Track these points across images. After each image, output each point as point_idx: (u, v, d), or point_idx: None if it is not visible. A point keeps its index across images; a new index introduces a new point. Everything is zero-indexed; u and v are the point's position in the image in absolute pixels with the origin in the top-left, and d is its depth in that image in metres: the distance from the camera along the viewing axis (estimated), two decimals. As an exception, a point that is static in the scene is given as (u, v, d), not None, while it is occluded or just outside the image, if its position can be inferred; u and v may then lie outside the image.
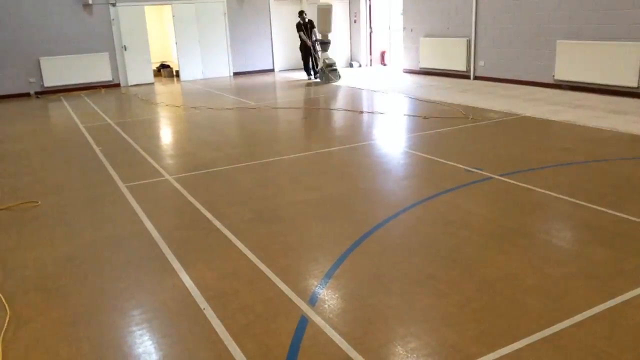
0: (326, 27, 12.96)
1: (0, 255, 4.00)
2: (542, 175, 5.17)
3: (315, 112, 9.30)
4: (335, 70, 13.14)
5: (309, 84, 13.15)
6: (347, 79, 13.69)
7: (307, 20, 13.51)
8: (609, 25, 9.20)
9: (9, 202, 5.26)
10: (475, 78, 12.07)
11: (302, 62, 14.16)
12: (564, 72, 10.00)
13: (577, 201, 4.46)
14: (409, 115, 8.39)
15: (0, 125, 9.64)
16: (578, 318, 2.80)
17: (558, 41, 10.02)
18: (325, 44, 13.17)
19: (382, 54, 16.33)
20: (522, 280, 3.23)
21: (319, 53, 13.35)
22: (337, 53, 16.44)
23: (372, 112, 8.85)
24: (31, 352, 2.77)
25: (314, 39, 13.43)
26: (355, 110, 9.10)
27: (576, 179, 5.01)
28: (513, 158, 5.80)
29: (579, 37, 9.71)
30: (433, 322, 2.84)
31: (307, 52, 13.67)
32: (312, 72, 13.80)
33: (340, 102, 10.31)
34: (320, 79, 13.28)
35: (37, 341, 2.87)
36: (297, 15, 13.75)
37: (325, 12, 12.82)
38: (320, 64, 13.30)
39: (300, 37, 13.60)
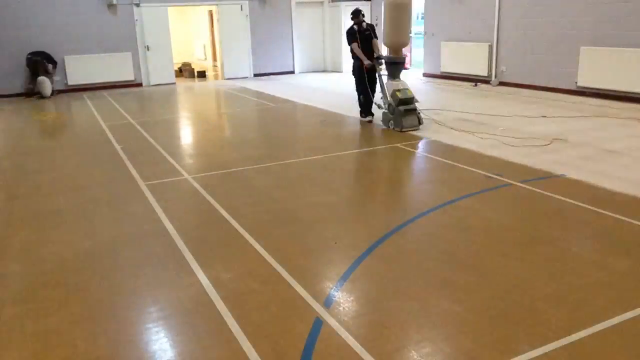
0: (400, 36, 7.94)
1: (22, 249, 4.08)
2: (562, 183, 5.11)
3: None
4: (414, 110, 7.72)
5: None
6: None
7: (364, 25, 8.17)
8: (633, 32, 9.05)
9: (32, 198, 5.35)
10: (499, 84, 11.96)
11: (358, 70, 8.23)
12: (587, 78, 9.86)
13: (598, 209, 4.40)
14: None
15: (26, 123, 9.82)
16: (596, 328, 2.77)
17: (582, 47, 9.88)
18: (396, 64, 8.06)
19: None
20: (539, 288, 3.19)
21: (384, 78, 8.24)
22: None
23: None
24: (50, 346, 2.82)
25: (377, 55, 8.20)
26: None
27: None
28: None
29: (603, 43, 9.56)
30: (448, 328, 2.83)
31: (362, 77, 8.18)
32: (371, 109, 8.43)
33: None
34: (384, 123, 7.95)
35: (57, 335, 2.92)
36: (350, 16, 8.25)
37: (400, 10, 7.83)
38: (385, 98, 7.96)
39: (351, 50, 8.20)
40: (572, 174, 5.33)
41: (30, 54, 12.89)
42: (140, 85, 14.47)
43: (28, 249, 4.10)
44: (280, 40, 15.96)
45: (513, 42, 11.48)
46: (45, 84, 12.63)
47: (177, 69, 16.29)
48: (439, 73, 13.71)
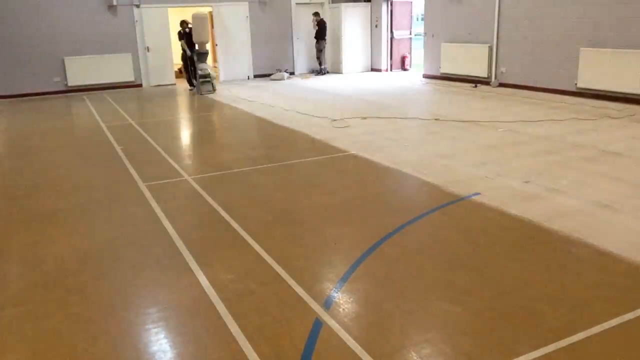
0: (202, 36, 12.28)
1: (21, 250, 4.08)
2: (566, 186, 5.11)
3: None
4: (209, 81, 12.71)
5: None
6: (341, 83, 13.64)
7: (187, 30, 13.07)
8: (633, 33, 9.06)
9: (31, 199, 5.35)
10: (499, 85, 11.97)
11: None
12: (587, 80, 9.87)
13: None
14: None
15: (25, 124, 9.82)
16: (596, 329, 2.76)
17: (581, 49, 9.89)
18: (201, 54, 12.47)
19: (403, 59, 16.27)
20: (539, 289, 3.19)
21: (196, 64, 12.73)
22: (358, 58, 16.45)
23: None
24: (49, 347, 2.82)
25: (196, 49, 12.65)
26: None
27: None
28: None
29: (603, 45, 9.57)
30: (448, 329, 2.82)
31: (187, 63, 13.47)
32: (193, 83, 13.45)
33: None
34: (197, 91, 12.86)
35: (56, 336, 2.91)
36: (179, 25, 13.51)
37: (201, 21, 12.21)
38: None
39: (181, 46, 13.54)
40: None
41: None
42: (140, 86, 14.47)
43: (27, 249, 4.09)
44: (280, 41, 15.96)
45: (513, 44, 11.49)
46: None
47: (177, 70, 16.28)
48: (438, 74, 13.71)
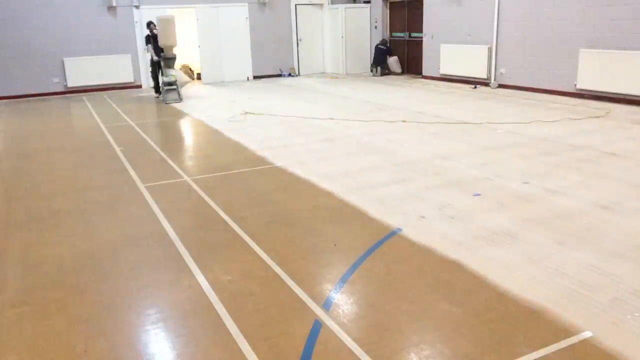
0: (169, 40, 11.21)
1: (21, 251, 4.08)
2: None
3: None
4: (175, 89, 11.64)
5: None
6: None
7: (156, 32, 11.74)
8: (632, 34, 9.07)
9: (31, 199, 5.35)
10: (499, 86, 11.98)
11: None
12: (586, 81, 9.88)
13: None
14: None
15: (25, 124, 9.82)
16: (597, 329, 2.76)
17: (581, 50, 9.90)
18: (168, 59, 11.45)
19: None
20: (538, 290, 3.19)
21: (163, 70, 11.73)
22: (357, 60, 16.44)
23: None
24: (49, 347, 2.82)
25: (162, 54, 11.54)
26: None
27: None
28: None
29: (602, 46, 9.58)
30: (447, 330, 2.82)
31: (154, 67, 12.36)
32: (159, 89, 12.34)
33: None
34: (164, 99, 11.67)
35: (56, 336, 2.91)
36: (146, 27, 12.39)
37: (167, 23, 11.20)
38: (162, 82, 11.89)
39: (147, 50, 12.67)
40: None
41: None
42: (139, 87, 14.47)
43: (27, 250, 4.09)
44: (280, 42, 15.96)
45: (512, 45, 11.50)
46: None
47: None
48: (438, 75, 13.72)
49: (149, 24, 12.17)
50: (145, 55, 13.30)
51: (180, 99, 11.64)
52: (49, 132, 8.93)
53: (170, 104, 11.32)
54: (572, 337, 2.71)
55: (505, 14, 11.57)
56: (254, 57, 15.66)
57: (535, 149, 6.45)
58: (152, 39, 12.04)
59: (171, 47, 11.39)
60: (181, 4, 14.75)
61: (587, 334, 2.72)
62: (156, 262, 3.81)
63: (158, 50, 11.69)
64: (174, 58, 11.56)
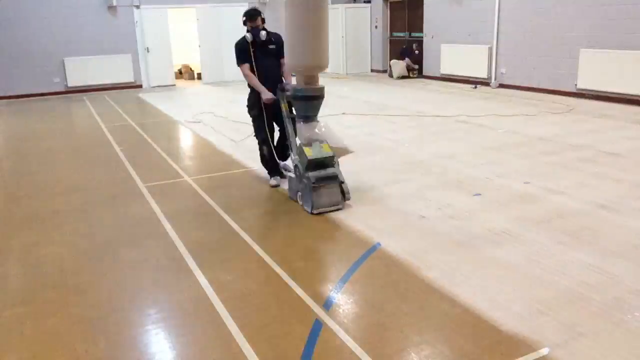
0: (317, 54, 4.63)
1: (22, 251, 4.08)
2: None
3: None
4: (335, 177, 4.63)
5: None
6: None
7: (265, 36, 5.21)
8: (633, 34, 9.07)
9: (31, 199, 5.35)
10: (499, 86, 11.97)
11: None
12: (586, 80, 9.87)
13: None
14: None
15: (26, 124, 9.83)
16: (597, 329, 2.76)
17: (581, 49, 9.90)
18: (309, 99, 4.75)
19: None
20: (537, 290, 3.19)
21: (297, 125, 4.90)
22: (357, 59, 16.40)
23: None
24: (49, 347, 2.82)
25: (287, 87, 4.98)
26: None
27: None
28: (533, 167, 5.73)
29: (603, 45, 9.58)
30: (448, 330, 2.82)
31: (262, 116, 5.29)
32: (280, 168, 5.51)
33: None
34: (291, 194, 4.98)
35: (56, 336, 2.91)
36: (243, 19, 5.45)
37: (311, 12, 4.51)
38: (293, 153, 4.91)
39: (246, 78, 5.44)
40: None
41: None
42: (140, 87, 14.48)
43: (27, 250, 4.09)
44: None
45: (513, 44, 11.49)
46: None
47: (177, 70, 16.30)
48: (438, 75, 13.71)
49: (252, 16, 5.33)
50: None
51: (344, 198, 4.68)
52: (49, 132, 8.94)
53: (324, 214, 4.62)
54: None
55: (505, 14, 11.56)
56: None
57: (536, 149, 6.45)
58: (253, 50, 5.26)
59: (319, 71, 4.80)
60: (181, 3, 14.75)
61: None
62: (156, 261, 3.81)
63: (273, 75, 5.26)
64: (321, 97, 4.80)
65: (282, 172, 5.47)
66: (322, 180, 4.55)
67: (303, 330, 2.85)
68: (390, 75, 14.79)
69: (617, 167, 5.62)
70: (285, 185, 5.25)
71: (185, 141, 8.35)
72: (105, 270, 3.71)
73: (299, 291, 3.27)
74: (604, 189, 4.95)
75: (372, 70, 16.63)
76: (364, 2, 16.42)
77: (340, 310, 3.05)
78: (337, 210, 4.59)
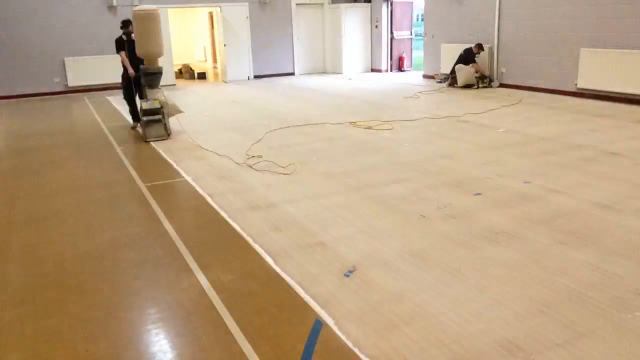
0: (151, 46, 7.51)
1: (21, 251, 4.08)
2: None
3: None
4: (159, 121, 7.66)
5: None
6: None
7: (133, 36, 7.98)
8: (633, 33, 9.06)
9: (31, 199, 5.35)
10: (500, 86, 11.96)
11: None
12: (587, 80, 9.87)
13: (598, 212, 4.38)
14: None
15: (26, 124, 9.82)
16: (597, 329, 2.76)
17: (581, 49, 9.89)
18: (151, 75, 7.69)
19: (401, 60, 16.26)
20: (538, 290, 3.19)
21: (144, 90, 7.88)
22: (358, 58, 16.43)
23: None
24: (50, 347, 2.82)
25: (141, 67, 7.82)
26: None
27: None
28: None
29: (603, 45, 9.57)
30: (449, 330, 2.82)
31: (130, 85, 8.55)
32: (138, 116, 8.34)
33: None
34: (143, 135, 7.76)
35: (56, 336, 2.91)
36: (120, 26, 8.61)
37: (147, 21, 7.42)
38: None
39: (121, 61, 8.55)
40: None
41: None
42: (140, 86, 14.46)
43: (28, 250, 4.09)
44: (281, 41, 15.96)
45: (513, 44, 11.49)
46: None
47: (177, 70, 16.31)
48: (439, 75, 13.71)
49: (125, 24, 8.40)
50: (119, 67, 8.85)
51: (167, 133, 7.74)
52: (49, 131, 8.95)
53: (151, 142, 7.54)
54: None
55: (505, 13, 11.56)
56: (254, 56, 15.65)
57: (536, 149, 6.45)
58: (126, 45, 8.41)
59: (156, 57, 7.65)
60: (181, 3, 14.74)
61: None
62: (157, 261, 3.81)
63: (135, 61, 8.18)
64: (159, 73, 7.75)
65: (140, 120, 8.00)
66: (151, 121, 7.65)
67: (303, 330, 2.85)
68: (451, 85, 12.44)
69: (618, 166, 5.62)
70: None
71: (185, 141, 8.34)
72: (105, 269, 3.71)
73: (299, 290, 3.27)
74: (604, 188, 4.95)
75: (372, 70, 16.61)
76: (364, 1, 16.41)
77: (341, 310, 3.05)
78: (162, 140, 7.64)
